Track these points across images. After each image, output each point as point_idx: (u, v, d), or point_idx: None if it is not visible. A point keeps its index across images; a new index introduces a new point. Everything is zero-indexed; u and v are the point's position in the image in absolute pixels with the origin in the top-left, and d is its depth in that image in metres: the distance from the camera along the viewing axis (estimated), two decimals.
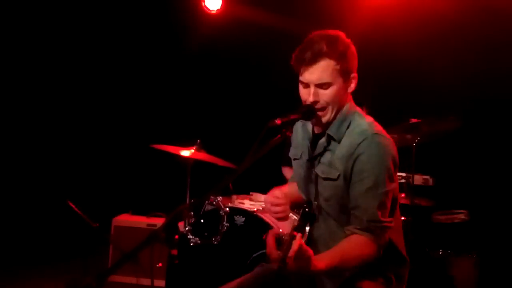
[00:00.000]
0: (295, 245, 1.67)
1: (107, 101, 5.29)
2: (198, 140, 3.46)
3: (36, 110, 5.12)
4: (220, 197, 3.33)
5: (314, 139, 2.10)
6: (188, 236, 3.24)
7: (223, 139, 4.56)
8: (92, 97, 5.29)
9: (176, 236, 2.51)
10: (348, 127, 2.00)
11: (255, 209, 3.27)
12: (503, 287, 3.74)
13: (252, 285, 2.17)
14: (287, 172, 3.96)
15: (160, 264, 3.55)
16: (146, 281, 3.88)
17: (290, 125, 1.92)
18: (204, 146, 3.48)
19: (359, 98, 2.14)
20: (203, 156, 3.44)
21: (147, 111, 5.25)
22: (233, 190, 3.55)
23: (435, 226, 3.56)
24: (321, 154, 2.04)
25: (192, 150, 3.42)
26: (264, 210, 3.32)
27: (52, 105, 5.18)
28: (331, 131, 2.01)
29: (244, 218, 3.23)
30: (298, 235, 1.70)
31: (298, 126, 2.20)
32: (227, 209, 3.25)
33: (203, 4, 4.69)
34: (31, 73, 5.06)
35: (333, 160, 1.99)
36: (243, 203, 3.43)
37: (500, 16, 3.87)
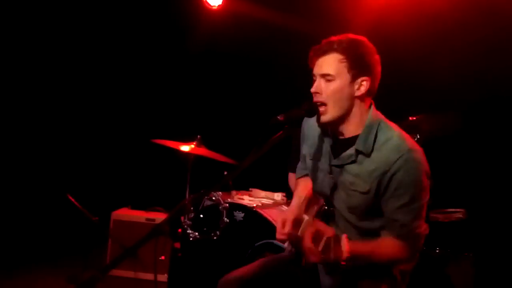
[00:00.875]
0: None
1: (107, 96, 5.28)
2: (199, 136, 3.47)
3: (36, 105, 5.11)
4: (220, 193, 3.34)
5: (336, 145, 2.07)
6: (188, 231, 3.25)
7: (223, 135, 4.57)
8: (92, 92, 5.29)
9: (179, 230, 2.54)
10: (375, 139, 1.97)
11: (254, 205, 3.28)
12: (499, 286, 3.77)
13: (258, 275, 2.19)
14: (291, 181, 3.95)
15: (163, 257, 3.56)
16: (144, 275, 3.89)
17: (293, 121, 1.93)
18: (204, 142, 3.48)
19: None
20: (203, 151, 3.44)
21: (148, 106, 5.24)
22: (233, 186, 3.56)
23: (432, 225, 3.57)
24: (346, 164, 2.02)
25: (193, 146, 3.43)
26: (263, 206, 3.34)
27: (53, 99, 5.18)
28: (358, 145, 1.98)
29: (243, 214, 3.25)
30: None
31: (313, 123, 2.13)
32: (227, 204, 3.27)
33: None
34: (31, 67, 5.05)
35: (361, 173, 1.98)
36: (242, 199, 3.45)
37: (503, 16, 3.87)
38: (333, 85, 1.96)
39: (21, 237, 4.63)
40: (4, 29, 4.79)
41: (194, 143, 3.44)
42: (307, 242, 1.79)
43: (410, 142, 1.98)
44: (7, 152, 4.94)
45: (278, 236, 2.08)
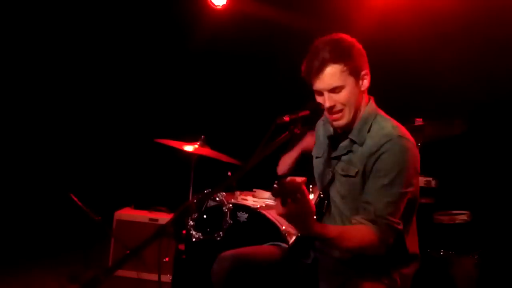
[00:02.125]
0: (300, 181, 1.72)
1: (111, 95, 5.28)
2: (202, 136, 3.46)
3: (40, 104, 5.11)
4: (224, 193, 3.33)
5: (334, 138, 2.15)
6: (191, 232, 3.24)
7: (227, 135, 4.56)
8: (96, 91, 5.29)
9: (184, 231, 2.52)
10: (369, 130, 2.03)
11: (258, 206, 3.27)
12: None
13: (254, 257, 2.22)
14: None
15: (167, 259, 3.55)
16: (146, 276, 3.88)
17: (298, 122, 1.92)
18: (208, 142, 3.48)
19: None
20: (207, 151, 3.43)
21: (152, 106, 5.24)
22: (236, 186, 3.55)
23: (436, 227, 3.56)
24: (342, 155, 2.08)
25: (196, 146, 3.42)
26: (267, 207, 3.32)
27: (56, 99, 5.18)
28: (352, 135, 2.05)
29: (247, 215, 3.23)
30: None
31: (320, 125, 2.28)
32: (230, 205, 3.26)
33: None
34: (34, 67, 5.05)
35: (353, 159, 2.03)
36: (246, 200, 3.43)
37: (507, 16, 3.85)
38: (345, 93, 2.01)
39: (24, 236, 4.63)
40: (8, 30, 4.80)
41: (198, 143, 3.43)
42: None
43: (403, 131, 2.02)
44: (11, 151, 4.95)
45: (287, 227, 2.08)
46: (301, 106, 2.01)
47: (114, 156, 5.29)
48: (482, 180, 4.07)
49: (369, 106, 2.08)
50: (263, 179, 3.72)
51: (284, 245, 2.76)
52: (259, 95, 4.87)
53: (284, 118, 1.90)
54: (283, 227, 3.04)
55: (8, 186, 4.84)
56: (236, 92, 5.01)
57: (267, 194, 3.59)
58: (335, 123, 2.06)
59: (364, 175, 1.99)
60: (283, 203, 1.73)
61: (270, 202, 3.47)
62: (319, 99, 2.04)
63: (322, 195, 2.15)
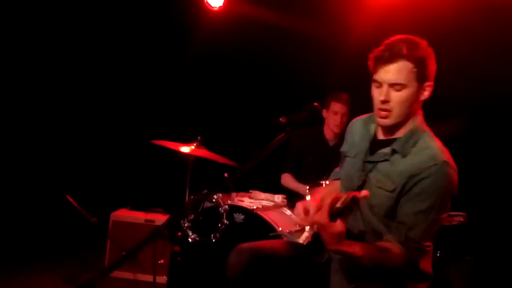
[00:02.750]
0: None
1: (107, 96, 5.27)
2: (199, 137, 3.45)
3: (35, 104, 5.09)
4: (220, 194, 3.32)
5: (374, 143, 2.08)
6: (187, 233, 3.23)
7: (224, 136, 4.55)
8: (92, 92, 5.27)
9: (179, 233, 2.51)
10: (414, 145, 1.97)
11: (254, 207, 3.26)
12: None
13: (271, 252, 2.18)
14: (287, 180, 3.95)
15: (162, 261, 3.54)
16: (143, 277, 3.87)
17: (294, 124, 1.91)
18: (204, 143, 3.47)
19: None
20: (204, 153, 3.42)
21: (148, 107, 5.23)
22: (233, 188, 3.54)
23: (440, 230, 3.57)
24: (379, 161, 2.02)
25: (193, 147, 3.41)
26: (263, 208, 3.32)
27: (52, 99, 5.16)
28: (396, 145, 1.99)
29: (243, 216, 3.23)
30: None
31: (358, 124, 2.20)
32: (227, 206, 3.25)
33: (205, 0, 4.67)
34: (30, 68, 5.03)
35: (391, 172, 1.97)
36: (242, 201, 3.43)
37: (506, 17, 3.85)
38: (403, 94, 1.94)
39: (19, 237, 4.60)
40: (2, 28, 4.78)
41: (194, 144, 3.42)
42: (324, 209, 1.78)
43: (449, 157, 1.96)
44: (6, 152, 4.93)
45: (298, 221, 2.04)
46: (298, 108, 2.01)
47: (110, 157, 5.27)
48: (478, 182, 4.07)
49: (417, 120, 2.02)
50: (259, 180, 3.73)
51: (291, 237, 2.75)
52: (256, 96, 4.87)
53: (281, 119, 1.89)
54: (280, 228, 3.04)
55: (3, 187, 4.81)
56: (232, 93, 5.01)
57: (263, 195, 3.59)
58: (380, 120, 2.00)
59: (401, 194, 1.93)
60: (333, 218, 1.72)
61: (266, 203, 3.47)
62: (375, 91, 1.99)
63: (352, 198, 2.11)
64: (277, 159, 3.83)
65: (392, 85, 1.94)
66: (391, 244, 1.92)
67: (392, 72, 1.94)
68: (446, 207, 1.95)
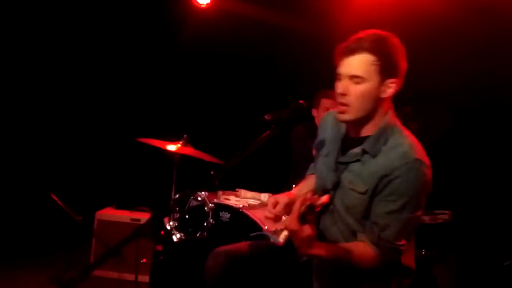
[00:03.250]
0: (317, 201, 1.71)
1: (93, 93, 5.22)
2: (185, 135, 3.43)
3: (20, 103, 5.03)
4: (206, 193, 3.31)
5: (345, 142, 2.02)
6: (173, 232, 3.21)
7: (210, 134, 4.54)
8: (77, 90, 5.22)
9: (162, 232, 2.49)
10: (385, 143, 1.91)
11: (240, 206, 3.25)
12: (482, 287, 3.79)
13: (249, 253, 2.19)
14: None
15: (144, 260, 3.52)
16: (128, 276, 3.84)
17: (280, 121, 1.91)
18: (191, 141, 3.45)
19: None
20: (190, 151, 3.41)
21: (134, 104, 5.19)
22: (219, 186, 3.53)
23: (418, 226, 3.59)
24: (350, 162, 1.97)
25: (179, 145, 3.39)
26: (250, 207, 3.31)
27: (36, 97, 5.10)
28: (366, 145, 1.92)
29: (229, 215, 3.21)
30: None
31: (330, 119, 2.11)
32: (213, 205, 3.24)
33: None
34: (16, 66, 4.96)
35: (362, 172, 1.91)
36: (228, 199, 3.41)
37: (498, 15, 3.86)
38: (361, 88, 1.87)
39: (4, 236, 4.55)
40: None
41: (181, 142, 3.41)
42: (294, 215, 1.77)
43: (420, 153, 1.90)
44: None
45: (266, 214, 2.07)
46: (284, 105, 1.99)
47: (95, 155, 5.23)
48: (463, 180, 4.10)
49: (387, 116, 1.95)
50: (245, 178, 3.72)
51: (272, 236, 2.75)
52: (243, 94, 4.86)
53: (266, 117, 1.88)
54: (266, 227, 3.03)
55: None
56: (219, 91, 4.99)
57: (250, 193, 3.58)
58: (338, 115, 1.95)
59: (373, 194, 1.89)
60: (303, 221, 1.72)
61: (253, 202, 3.46)
62: (336, 85, 1.93)
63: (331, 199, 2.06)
64: (264, 158, 3.82)
65: (351, 78, 1.88)
66: (364, 244, 1.90)
67: (352, 64, 1.87)
68: (420, 205, 1.90)
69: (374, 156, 1.90)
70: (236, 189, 3.69)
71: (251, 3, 4.62)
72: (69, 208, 3.29)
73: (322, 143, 2.13)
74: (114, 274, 3.84)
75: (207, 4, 4.67)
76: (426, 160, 1.90)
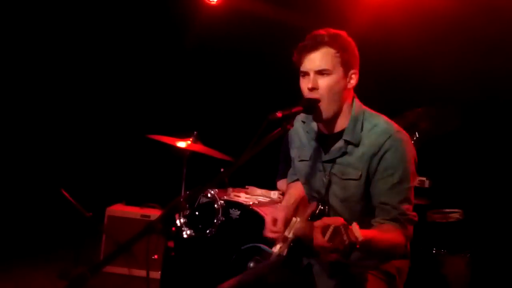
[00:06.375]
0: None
1: (103, 91, 5.24)
2: (195, 132, 3.43)
3: (31, 100, 5.06)
4: (216, 190, 3.31)
5: (323, 140, 2.08)
6: (183, 228, 3.22)
7: (220, 131, 4.53)
8: (88, 87, 5.24)
9: (173, 228, 2.49)
10: (362, 128, 1.99)
11: (250, 203, 3.25)
12: (495, 287, 3.76)
13: (251, 283, 2.16)
14: (282, 185, 3.91)
15: (156, 256, 3.53)
16: (138, 272, 3.86)
17: (291, 118, 1.90)
18: (201, 138, 3.45)
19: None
20: (200, 148, 3.41)
21: (145, 101, 5.20)
22: (229, 183, 3.53)
23: (429, 225, 3.56)
24: (337, 157, 2.02)
25: (189, 142, 3.39)
26: (259, 204, 3.31)
27: (47, 94, 5.13)
28: (347, 136, 1.99)
29: (239, 212, 3.21)
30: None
31: (298, 126, 2.19)
32: (223, 202, 3.23)
33: None
34: (23, 63, 4.99)
35: (352, 161, 1.98)
36: (238, 196, 3.41)
37: (502, 14, 3.84)
38: (329, 80, 1.95)
39: (14, 232, 4.58)
40: None
41: (191, 139, 3.41)
42: (318, 238, 1.67)
43: (396, 125, 2.00)
44: (1, 147, 4.89)
45: (267, 233, 2.07)
46: (294, 102, 1.99)
47: (106, 151, 5.25)
48: (475, 179, 4.07)
49: (355, 104, 2.03)
50: (256, 176, 3.72)
51: (265, 248, 2.74)
52: (252, 91, 4.85)
53: (277, 114, 1.86)
54: None
55: None
56: (229, 88, 4.98)
57: (260, 191, 3.58)
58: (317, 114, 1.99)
59: (368, 177, 1.95)
60: (331, 240, 1.63)
61: (263, 199, 3.46)
62: (302, 82, 2.00)
63: (320, 203, 2.07)
64: (274, 155, 3.81)
65: (318, 72, 1.95)
66: (386, 224, 1.91)
67: (317, 58, 1.95)
68: (414, 174, 1.98)
69: (357, 144, 1.97)
70: (246, 186, 3.69)
71: (261, 1, 4.60)
72: (80, 204, 3.30)
73: (300, 150, 2.18)
74: (124, 270, 3.85)
75: (217, 1, 4.67)
76: (403, 131, 2.00)
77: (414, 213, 1.96)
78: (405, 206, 1.93)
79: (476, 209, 3.75)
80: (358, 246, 1.60)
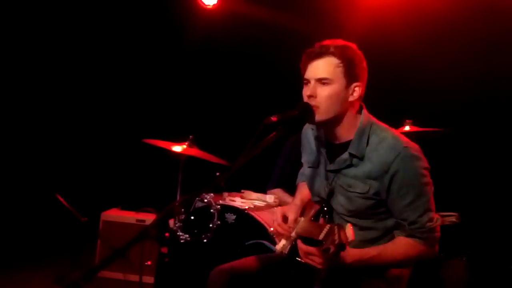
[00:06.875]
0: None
1: (98, 94, 5.23)
2: (191, 136, 3.42)
3: (25, 104, 5.04)
4: (212, 194, 3.29)
5: (330, 149, 2.08)
6: (178, 233, 3.20)
7: (216, 135, 4.53)
8: (83, 91, 5.23)
9: (167, 234, 2.47)
10: (368, 142, 1.98)
11: (246, 207, 3.24)
12: None
13: (250, 269, 2.20)
14: (278, 193, 3.88)
15: (149, 262, 3.51)
16: (133, 277, 3.84)
17: (286, 122, 1.89)
18: (196, 142, 3.44)
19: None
20: (195, 152, 3.39)
21: (140, 106, 5.19)
22: (224, 187, 3.51)
23: None
24: (342, 168, 2.03)
25: (184, 146, 3.38)
26: (255, 208, 3.29)
27: (42, 98, 5.11)
28: (352, 149, 1.99)
29: (235, 216, 3.20)
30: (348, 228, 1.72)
31: (309, 132, 2.22)
32: (218, 206, 3.22)
33: None
34: (18, 66, 4.97)
35: (359, 174, 1.98)
36: (234, 201, 3.40)
37: (500, 16, 3.86)
38: (329, 89, 1.95)
39: (9, 237, 4.56)
40: None
41: (186, 143, 3.40)
42: (301, 247, 1.74)
43: (404, 139, 1.99)
44: None
45: (275, 226, 2.11)
46: (290, 106, 1.98)
47: (101, 156, 5.23)
48: (471, 182, 4.07)
49: (363, 116, 2.02)
50: (251, 180, 3.70)
51: (269, 244, 2.74)
52: (248, 95, 4.85)
53: (272, 118, 1.86)
54: (271, 228, 3.01)
55: None
56: (225, 92, 4.98)
57: (255, 195, 3.56)
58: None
59: (379, 195, 1.95)
60: (326, 251, 1.69)
61: (258, 203, 3.44)
62: (304, 89, 2.01)
63: (324, 207, 2.11)
64: (270, 159, 3.80)
65: (319, 80, 1.96)
66: (405, 239, 1.96)
67: (319, 67, 1.97)
68: (430, 184, 1.98)
69: (362, 158, 1.97)
70: (242, 191, 3.67)
71: (257, 4, 4.60)
72: (75, 209, 3.28)
73: (309, 155, 2.21)
74: (119, 275, 3.83)
75: (213, 5, 4.66)
76: (412, 144, 1.98)
77: (434, 219, 1.97)
78: (426, 218, 1.95)
79: (472, 213, 3.75)
80: (347, 247, 1.67)
